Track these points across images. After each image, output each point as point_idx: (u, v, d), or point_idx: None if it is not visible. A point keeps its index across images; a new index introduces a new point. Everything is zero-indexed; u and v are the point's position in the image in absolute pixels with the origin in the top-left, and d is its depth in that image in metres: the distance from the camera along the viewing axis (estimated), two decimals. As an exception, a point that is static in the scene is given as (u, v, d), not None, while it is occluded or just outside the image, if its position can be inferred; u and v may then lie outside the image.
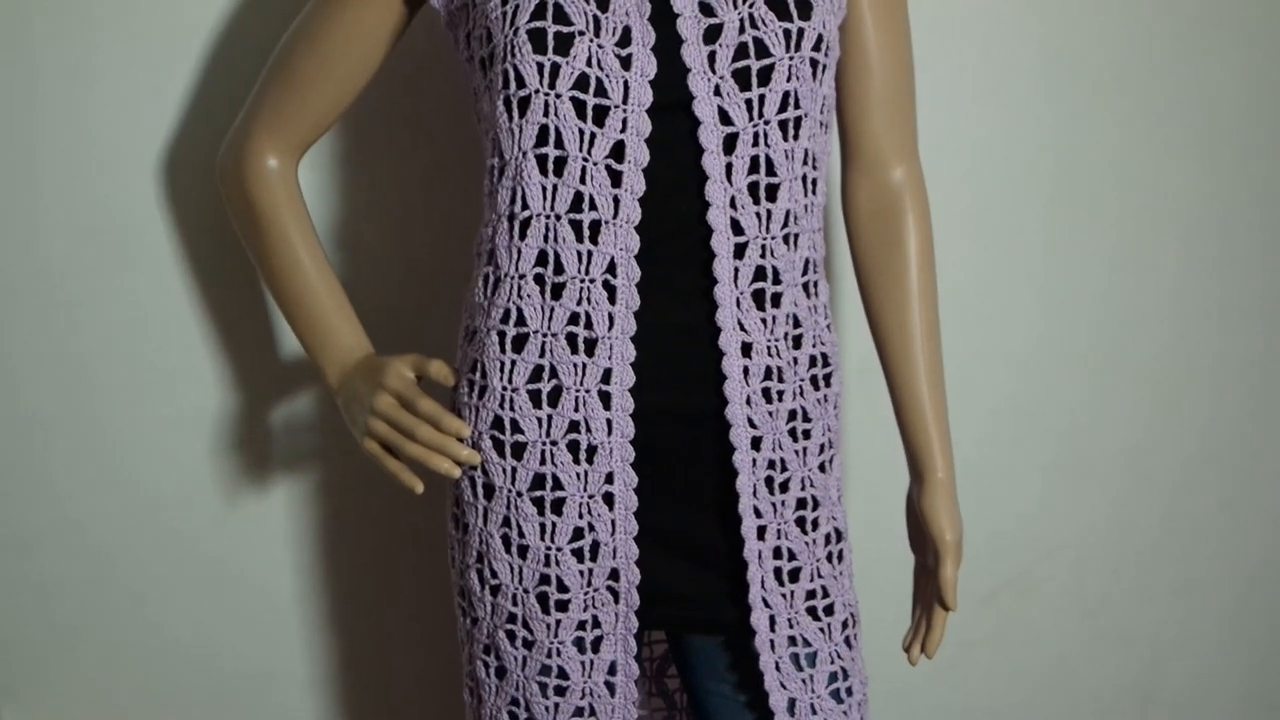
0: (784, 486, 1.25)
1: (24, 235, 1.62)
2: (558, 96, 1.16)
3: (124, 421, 1.69)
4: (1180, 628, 2.00)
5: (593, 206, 1.18)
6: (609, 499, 1.22)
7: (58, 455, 1.69)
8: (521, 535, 1.23)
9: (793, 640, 1.27)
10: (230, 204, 1.39)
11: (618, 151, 1.17)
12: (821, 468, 1.28)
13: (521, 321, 1.21)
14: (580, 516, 1.22)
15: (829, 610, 1.29)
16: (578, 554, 1.23)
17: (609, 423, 1.20)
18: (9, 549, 1.72)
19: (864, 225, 1.35)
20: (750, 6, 1.18)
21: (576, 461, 1.21)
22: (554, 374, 1.20)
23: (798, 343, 1.25)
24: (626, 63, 1.17)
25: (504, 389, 1.22)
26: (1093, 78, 1.76)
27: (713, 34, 1.18)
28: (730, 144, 1.19)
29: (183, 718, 1.79)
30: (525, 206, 1.19)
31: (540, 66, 1.16)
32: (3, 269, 1.63)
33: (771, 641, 1.26)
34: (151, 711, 1.78)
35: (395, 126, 1.62)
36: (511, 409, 1.22)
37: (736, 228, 1.19)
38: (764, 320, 1.22)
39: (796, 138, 1.21)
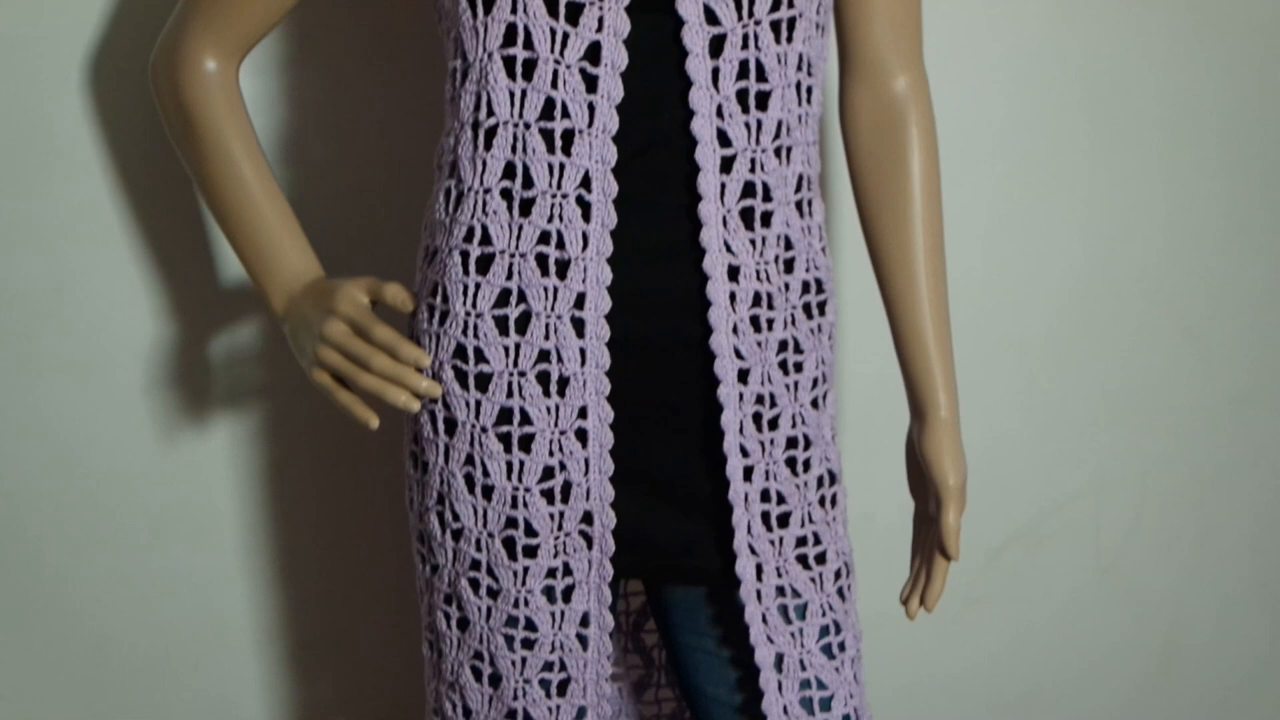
0: (773, 424, 1.26)
1: (-64, 146, 1.62)
2: None
3: (49, 353, 1.69)
4: (1200, 583, 2.03)
5: (565, 114, 1.18)
6: (582, 435, 1.23)
7: (-28, 388, 1.70)
8: (486, 475, 1.24)
9: (781, 591, 1.28)
10: (165, 113, 1.38)
11: (593, 53, 1.17)
12: (814, 404, 1.29)
13: (487, 240, 1.21)
14: (550, 454, 1.23)
15: (821, 559, 1.30)
16: (548, 495, 1.24)
17: (582, 352, 1.21)
18: (-78, 492, 1.73)
19: (863, 139, 1.36)
20: None
21: (546, 394, 1.22)
22: (522, 298, 1.21)
23: (789, 267, 1.25)
24: None
25: (467, 314, 1.22)
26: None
27: None
28: (717, 46, 1.18)
29: (121, 678, 1.80)
30: (491, 114, 1.19)
31: None
32: (-87, 183, 1.63)
33: (758, 592, 1.27)
34: (86, 667, 1.79)
35: (347, 26, 1.61)
36: (475, 336, 1.22)
37: (723, 139, 1.20)
38: (753, 241, 1.22)
39: (790, 40, 1.21)
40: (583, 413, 1.22)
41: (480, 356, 1.22)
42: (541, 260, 1.20)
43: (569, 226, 1.19)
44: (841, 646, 1.32)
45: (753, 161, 1.21)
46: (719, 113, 1.19)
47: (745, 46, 1.19)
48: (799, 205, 1.26)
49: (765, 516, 1.27)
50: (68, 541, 1.75)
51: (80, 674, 1.80)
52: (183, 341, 1.69)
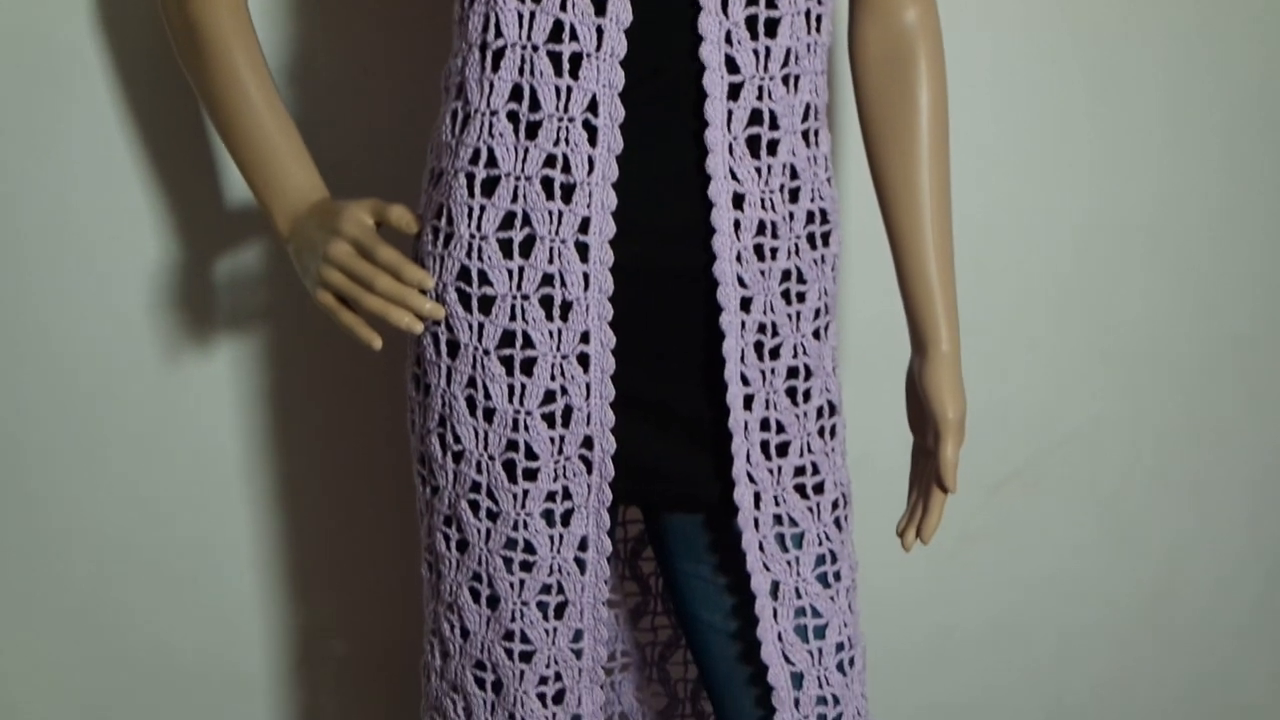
0: (774, 353, 1.27)
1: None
2: None
3: (53, 274, 1.69)
4: (1197, 524, 2.04)
5: (574, 37, 1.18)
6: (584, 360, 1.23)
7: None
8: (488, 397, 1.25)
9: (778, 519, 1.29)
10: (171, 28, 1.38)
11: (602, -25, 1.17)
12: (816, 334, 1.30)
13: (492, 163, 1.21)
14: (552, 378, 1.24)
15: (819, 489, 1.31)
16: (548, 419, 1.25)
17: (586, 277, 1.22)
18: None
19: (871, 71, 1.36)
20: None
21: (549, 318, 1.22)
22: (527, 221, 1.21)
23: (794, 196, 1.26)
24: None
25: (472, 237, 1.23)
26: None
27: None
28: None
29: (119, 597, 1.82)
30: (499, 35, 1.19)
31: None
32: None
33: (755, 520, 1.28)
34: (85, 585, 1.81)
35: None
36: (479, 259, 1.23)
37: (731, 65, 1.20)
38: (758, 169, 1.22)
39: (800, -33, 1.21)
40: (585, 338, 1.23)
41: (484, 279, 1.23)
42: (547, 184, 1.20)
43: (575, 150, 1.19)
44: (837, 576, 1.33)
45: (760, 89, 1.21)
46: (727, 39, 1.19)
47: None
48: (805, 134, 1.26)
49: (764, 445, 1.28)
50: (69, 459, 1.76)
51: (79, 592, 1.81)
52: (186, 262, 1.70)
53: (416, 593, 1.43)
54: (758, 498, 1.28)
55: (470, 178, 1.22)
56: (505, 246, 1.22)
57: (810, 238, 1.28)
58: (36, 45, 1.61)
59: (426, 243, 1.27)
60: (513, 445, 1.25)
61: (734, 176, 1.21)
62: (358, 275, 1.26)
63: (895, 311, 1.41)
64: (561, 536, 1.28)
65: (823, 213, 1.29)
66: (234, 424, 1.77)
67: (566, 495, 1.27)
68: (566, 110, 1.19)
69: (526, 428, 1.25)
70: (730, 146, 1.21)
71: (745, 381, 1.25)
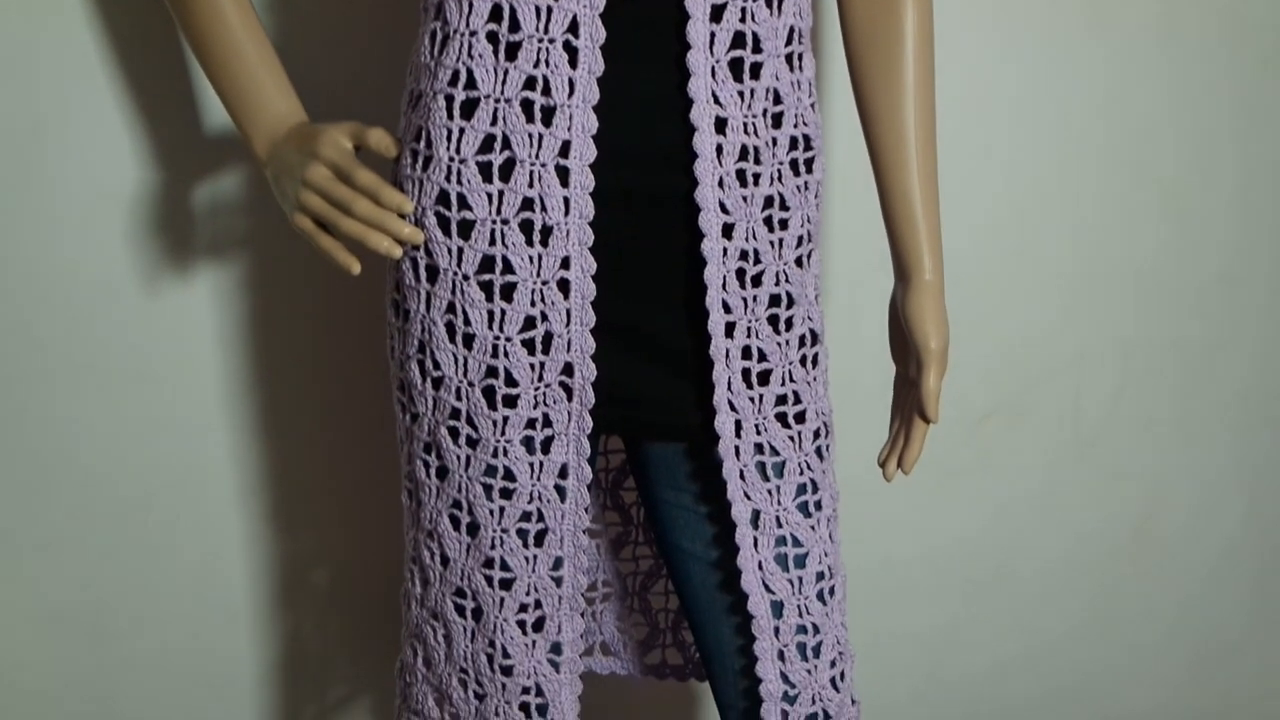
0: (756, 280, 1.26)
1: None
2: None
3: (31, 202, 1.68)
4: (1178, 461, 2.05)
5: (554, -44, 1.16)
6: (564, 286, 1.23)
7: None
8: (467, 323, 1.24)
9: (759, 448, 1.29)
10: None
11: (583, -105, 1.15)
12: (799, 262, 1.29)
13: (472, 84, 1.20)
14: (532, 304, 1.23)
15: (800, 418, 1.31)
16: (528, 345, 1.24)
17: (566, 201, 1.20)
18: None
19: (857, -5, 1.34)
20: None
21: (529, 243, 1.21)
22: (506, 144, 1.20)
23: (778, 121, 1.25)
24: None
25: (451, 160, 1.21)
26: None
27: None
28: None
29: (102, 524, 1.82)
30: (478, -47, 1.18)
31: None
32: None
33: (736, 448, 1.28)
34: (68, 512, 1.81)
35: None
36: (459, 182, 1.21)
37: None
38: (741, 93, 1.21)
39: (784, -113, 1.20)
40: (565, 263, 1.22)
41: (463, 203, 1.22)
42: (527, 106, 1.19)
43: (555, 72, 1.18)
44: (818, 505, 1.33)
45: (743, 11, 1.20)
46: None
47: None
48: (789, 58, 1.24)
49: (746, 373, 1.27)
50: (48, 386, 1.75)
51: (62, 519, 1.81)
52: (165, 189, 1.68)
53: (398, 521, 1.43)
54: (739, 426, 1.28)
55: (449, 100, 1.21)
56: (485, 170, 1.21)
57: (793, 164, 1.27)
58: (12, -33, 1.59)
59: (405, 166, 1.26)
60: (492, 372, 1.25)
61: (716, 100, 1.20)
62: (335, 199, 1.25)
63: (879, 240, 1.40)
64: (541, 464, 1.28)
65: (806, 138, 1.28)
66: (214, 352, 1.76)
67: (547, 422, 1.27)
68: (547, 31, 1.17)
69: (506, 354, 1.24)
70: (713, 70, 1.20)
71: (727, 309, 1.25)
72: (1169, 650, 2.14)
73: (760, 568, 1.30)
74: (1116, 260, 1.93)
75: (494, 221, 1.21)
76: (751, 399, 1.28)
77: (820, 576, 1.33)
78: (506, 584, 1.30)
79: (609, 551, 1.59)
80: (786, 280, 1.28)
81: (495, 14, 1.18)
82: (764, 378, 1.28)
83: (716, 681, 1.40)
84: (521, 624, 1.31)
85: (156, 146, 1.67)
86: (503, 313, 1.23)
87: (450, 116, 1.21)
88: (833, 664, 1.34)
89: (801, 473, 1.32)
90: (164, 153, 1.67)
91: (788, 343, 1.29)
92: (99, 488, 1.80)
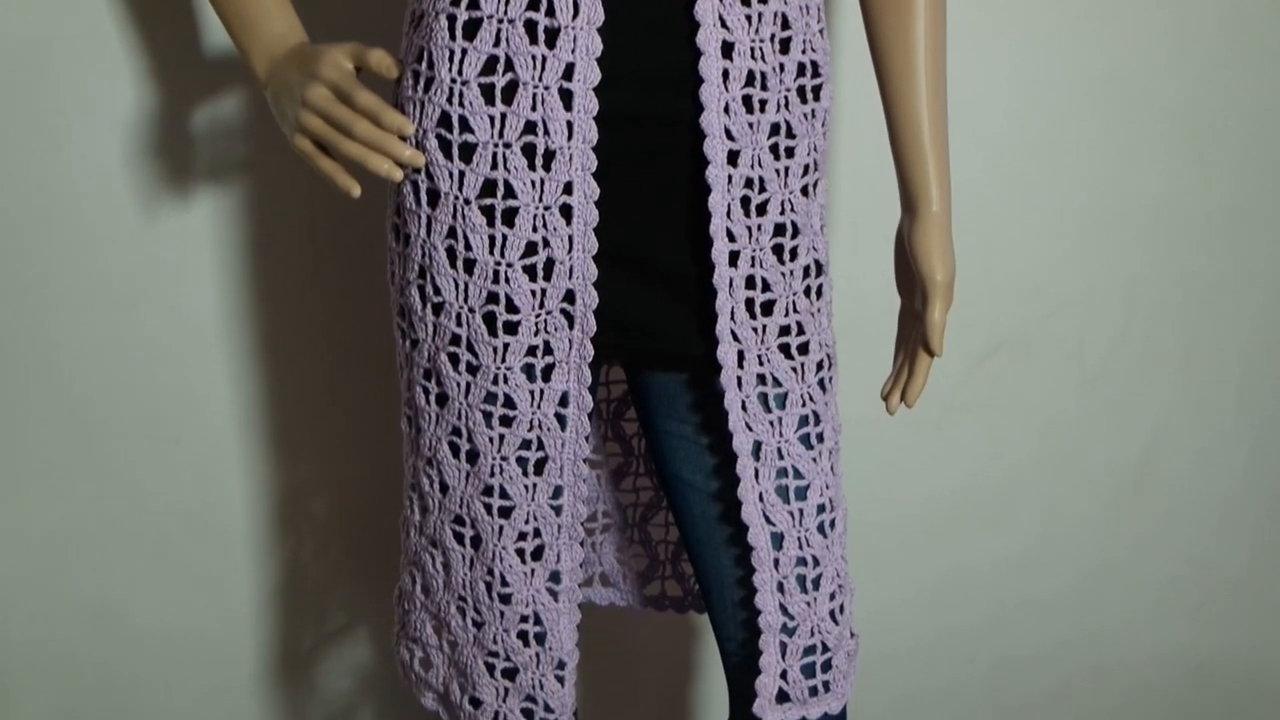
0: (761, 209, 1.25)
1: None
2: None
3: (25, 120, 1.66)
4: (1183, 399, 2.04)
5: (556, -127, 1.14)
6: (566, 211, 1.21)
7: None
8: (468, 248, 1.23)
9: (762, 379, 1.28)
10: None
11: None
12: (804, 191, 1.28)
13: (474, 4, 1.18)
14: (534, 230, 1.22)
15: (803, 349, 1.30)
16: (530, 271, 1.23)
17: (569, 125, 1.19)
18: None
19: (867, -82, 1.32)
20: None
21: (532, 167, 1.20)
22: (510, 66, 1.18)
23: (785, 47, 1.23)
24: None
25: (453, 81, 1.20)
26: None
27: None
28: None
29: (101, 449, 1.82)
30: None
31: None
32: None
33: (739, 379, 1.27)
34: (66, 437, 1.81)
35: None
36: (461, 105, 1.20)
37: None
38: (748, 17, 1.19)
39: None
40: (568, 188, 1.21)
41: (465, 125, 1.20)
42: (530, 27, 1.17)
43: None
44: (820, 437, 1.32)
45: (752, -68, 1.18)
46: None
47: None
48: (797, -19, 1.22)
49: (749, 303, 1.26)
50: (47, 309, 1.74)
51: (59, 443, 1.81)
52: (165, 110, 1.67)
53: (398, 447, 1.42)
54: (741, 356, 1.27)
55: (451, 20, 1.19)
56: (487, 92, 1.19)
57: (801, 90, 1.25)
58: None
59: (407, 88, 1.24)
60: (493, 298, 1.24)
61: (723, 24, 1.18)
62: (336, 120, 1.24)
63: (886, 171, 1.39)
64: (542, 392, 1.27)
65: (814, 65, 1.26)
66: (213, 278, 1.75)
67: (547, 350, 1.26)
68: None
69: (507, 280, 1.23)
70: None
71: (731, 237, 1.23)
72: (1170, 592, 2.14)
73: (761, 499, 1.30)
74: (1125, 195, 1.91)
75: (496, 145, 1.20)
76: (754, 329, 1.27)
77: (821, 509, 1.33)
78: (505, 512, 1.30)
79: (609, 482, 1.58)
80: (792, 209, 1.26)
81: (499, -67, 1.16)
82: (767, 308, 1.27)
83: (715, 613, 1.40)
84: (520, 552, 1.31)
85: (155, 67, 1.65)
86: (504, 238, 1.22)
87: (452, 37, 1.19)
88: (832, 596, 1.34)
89: (804, 404, 1.31)
90: (162, 74, 1.65)
91: (792, 273, 1.28)
92: (97, 412, 1.80)
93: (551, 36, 1.17)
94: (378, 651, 1.95)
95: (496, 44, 1.18)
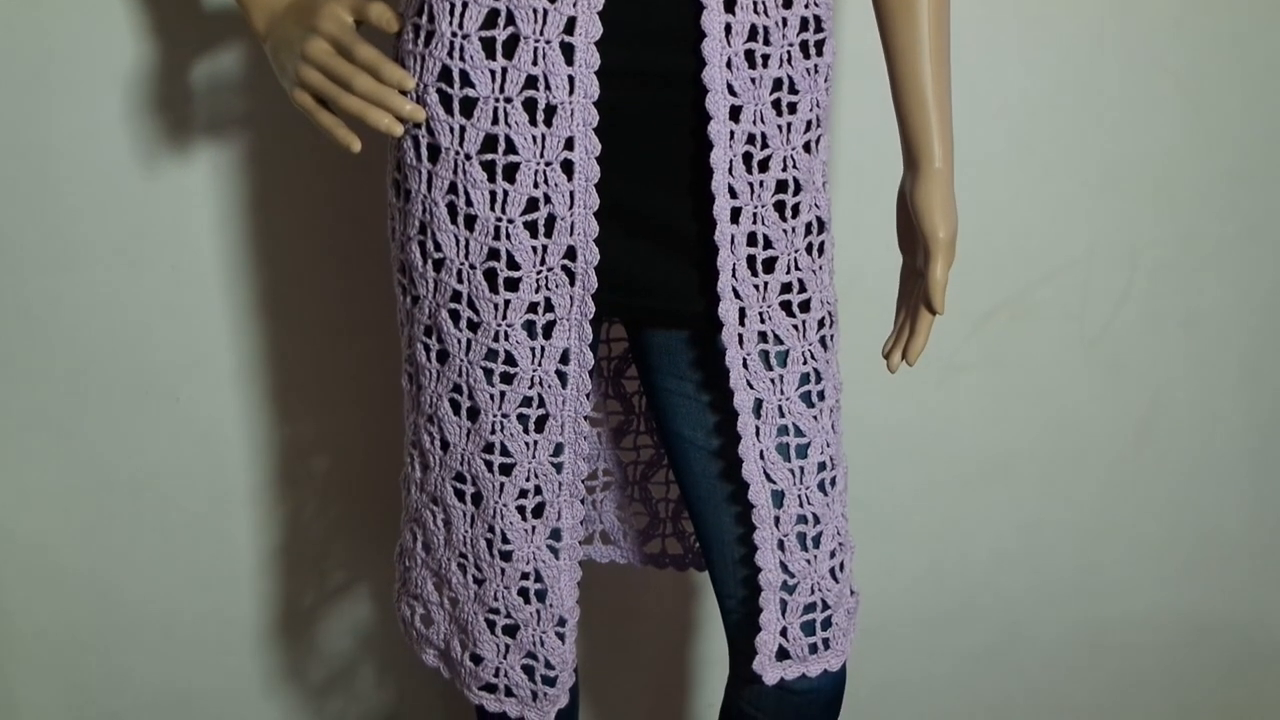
0: (763, 165, 1.24)
1: None
2: None
3: (23, 73, 1.65)
4: (1184, 360, 2.04)
5: None
6: (568, 167, 1.20)
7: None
8: (469, 204, 1.22)
9: (763, 336, 1.28)
10: None
11: None
12: (807, 148, 1.27)
13: (475, -43, 1.17)
14: (535, 185, 1.21)
15: (805, 306, 1.30)
16: (531, 228, 1.22)
17: (571, 80, 1.18)
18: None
19: None
20: None
21: (533, 122, 1.19)
22: (510, 20, 1.17)
23: (788, 1, 1.22)
24: None
25: (454, 35, 1.19)
26: None
27: None
28: None
29: (100, 405, 1.82)
30: None
31: None
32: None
33: (740, 336, 1.27)
34: (65, 394, 1.80)
35: None
36: (461, 59, 1.19)
37: None
38: (750, -30, 1.18)
39: None
40: (569, 144, 1.20)
41: (466, 80, 1.19)
42: None
43: None
44: (821, 395, 1.32)
45: (755, -115, 1.17)
46: None
47: None
48: (800, -65, 1.21)
49: (751, 260, 1.26)
50: (47, 266, 1.74)
51: (59, 405, 1.81)
52: (164, 65, 1.66)
53: (398, 405, 1.42)
54: (743, 314, 1.26)
55: (452, -28, 1.18)
56: (488, 46, 1.18)
57: (804, 45, 1.24)
58: None
59: (407, 41, 1.23)
60: (494, 254, 1.23)
61: None
62: (336, 74, 1.22)
63: (888, 127, 1.38)
64: (543, 349, 1.27)
65: (817, 19, 1.25)
66: (214, 234, 1.75)
67: (549, 307, 1.26)
68: None
69: (509, 236, 1.22)
70: None
71: (733, 194, 1.23)
72: (1168, 548, 2.14)
73: (761, 457, 1.30)
74: (1129, 155, 1.90)
75: (497, 99, 1.19)
76: (756, 286, 1.26)
77: (822, 467, 1.32)
78: (506, 469, 1.30)
79: (610, 440, 1.58)
80: (794, 166, 1.26)
81: (500, -116, 1.15)
82: (769, 265, 1.26)
83: (716, 570, 1.40)
84: (521, 509, 1.31)
85: (153, 22, 1.64)
86: (505, 194, 1.21)
87: (453, -10, 1.18)
88: (832, 554, 1.34)
89: (805, 362, 1.30)
90: (161, 28, 1.64)
91: (794, 230, 1.27)
92: (98, 369, 1.79)
93: (553, -10, 1.16)
94: (379, 609, 1.96)
95: (497, -3, 1.17)
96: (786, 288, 1.28)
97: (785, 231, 1.27)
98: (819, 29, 1.25)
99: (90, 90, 1.66)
